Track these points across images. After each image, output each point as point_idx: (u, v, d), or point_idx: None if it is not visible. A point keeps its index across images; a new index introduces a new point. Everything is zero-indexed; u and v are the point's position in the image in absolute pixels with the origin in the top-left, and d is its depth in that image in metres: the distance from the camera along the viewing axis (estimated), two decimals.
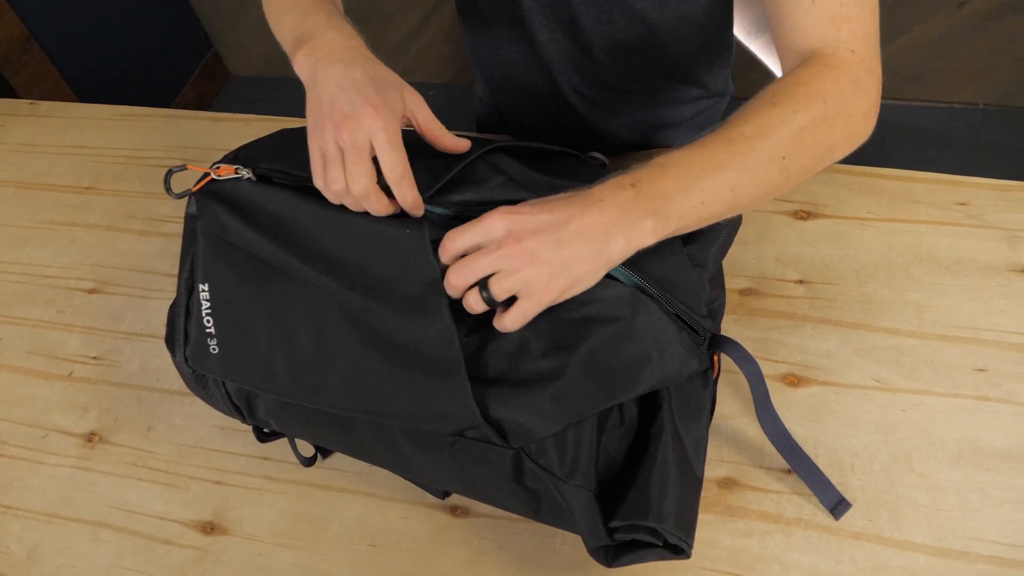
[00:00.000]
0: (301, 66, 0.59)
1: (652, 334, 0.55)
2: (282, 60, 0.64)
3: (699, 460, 0.59)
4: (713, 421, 0.69)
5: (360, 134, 0.54)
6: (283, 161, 0.62)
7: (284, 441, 0.73)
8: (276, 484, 0.71)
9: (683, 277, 0.58)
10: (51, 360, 0.84)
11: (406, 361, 0.54)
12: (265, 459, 0.73)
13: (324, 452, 0.72)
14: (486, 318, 0.55)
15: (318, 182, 0.57)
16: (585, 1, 0.76)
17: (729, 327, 0.75)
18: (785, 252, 0.79)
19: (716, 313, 0.63)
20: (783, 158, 0.55)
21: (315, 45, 0.59)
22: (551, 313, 0.54)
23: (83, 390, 0.81)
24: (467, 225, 0.53)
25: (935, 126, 1.96)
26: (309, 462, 0.71)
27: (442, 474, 0.59)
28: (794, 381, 0.71)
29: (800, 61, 0.61)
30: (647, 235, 0.52)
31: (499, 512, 0.67)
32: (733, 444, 0.68)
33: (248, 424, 0.66)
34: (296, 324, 0.58)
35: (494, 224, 0.52)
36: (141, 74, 2.17)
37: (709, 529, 0.64)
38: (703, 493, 0.65)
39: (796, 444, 0.63)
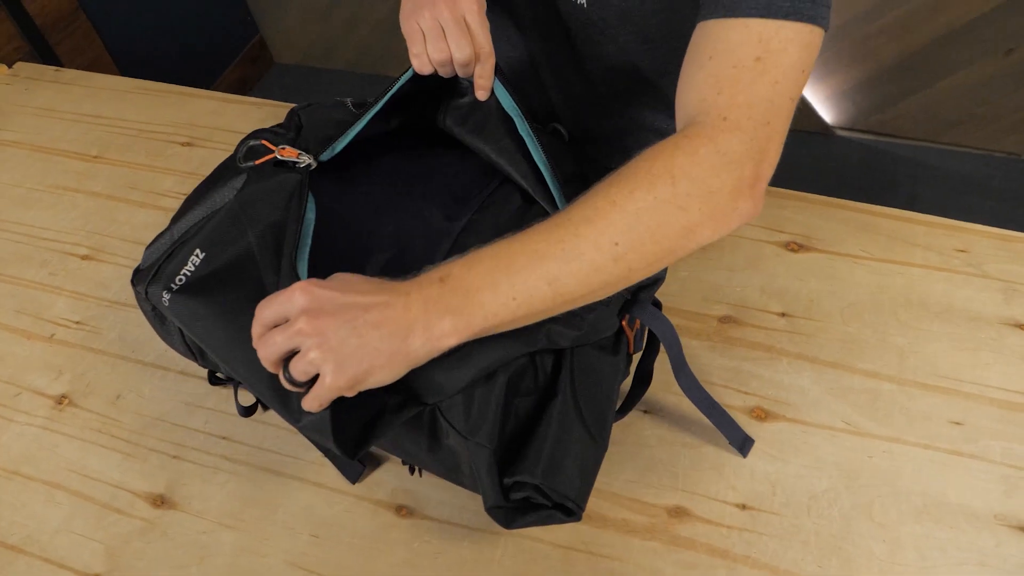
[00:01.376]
0: None
1: None
2: (324, 50, 0.68)
3: (601, 427, 0.58)
4: (672, 448, 0.67)
5: (457, 11, 0.62)
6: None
7: (245, 422, 0.74)
8: (231, 464, 0.71)
9: None
10: (36, 320, 0.85)
11: None
12: (224, 439, 0.73)
13: (265, 405, 0.73)
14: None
15: (417, 53, 0.63)
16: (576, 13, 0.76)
17: (702, 353, 0.73)
18: (772, 283, 0.77)
19: (646, 284, 0.61)
20: (615, 244, 0.50)
21: None
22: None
23: (61, 353, 0.82)
24: (274, 295, 0.51)
25: (973, 173, 1.91)
26: (248, 412, 0.72)
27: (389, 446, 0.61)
28: (761, 415, 0.69)
29: (682, 126, 0.56)
30: (447, 335, 0.48)
31: (444, 516, 0.66)
32: (690, 474, 0.66)
33: (202, 366, 0.69)
34: (237, 330, 0.57)
35: (294, 298, 0.49)
36: (185, 53, 2.21)
37: (653, 556, 0.62)
38: (650, 520, 0.64)
39: (712, 399, 0.64)
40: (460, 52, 0.62)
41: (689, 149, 0.52)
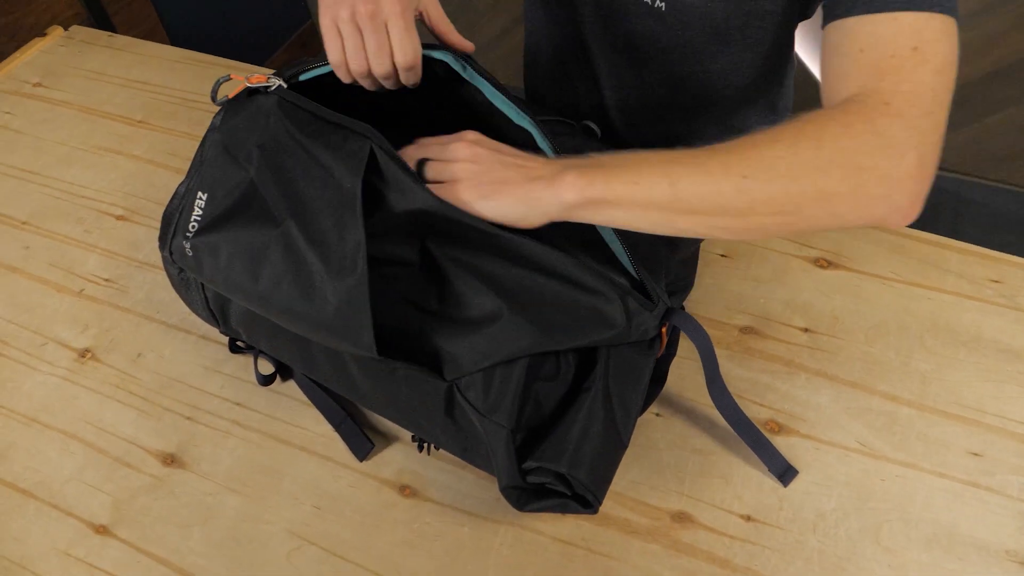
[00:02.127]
0: None
1: (595, 297, 0.56)
2: None
3: (627, 425, 0.59)
4: (681, 453, 0.67)
5: (379, 15, 0.54)
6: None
7: (260, 390, 0.74)
8: (242, 430, 0.72)
9: (649, 246, 0.59)
10: (67, 275, 0.87)
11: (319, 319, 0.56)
12: (238, 404, 0.74)
13: (284, 375, 0.75)
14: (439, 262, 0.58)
15: (336, 62, 0.57)
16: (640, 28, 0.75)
17: (721, 362, 0.72)
18: (797, 297, 0.77)
19: (678, 290, 0.64)
20: (743, 176, 0.50)
21: None
22: (502, 257, 0.56)
23: (89, 308, 0.84)
24: (435, 140, 0.57)
25: (1017, 212, 1.87)
26: (267, 381, 0.74)
27: (383, 401, 0.62)
28: (775, 428, 0.68)
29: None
30: (568, 186, 0.52)
31: (447, 499, 0.66)
32: (697, 480, 0.65)
33: (223, 333, 0.70)
34: (256, 252, 0.59)
35: (464, 135, 0.57)
36: (237, 32, 2.25)
37: (652, 559, 0.62)
38: (653, 523, 0.63)
39: (745, 416, 0.64)
40: (378, 66, 0.56)
41: (844, 121, 0.51)
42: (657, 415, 0.69)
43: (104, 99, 1.08)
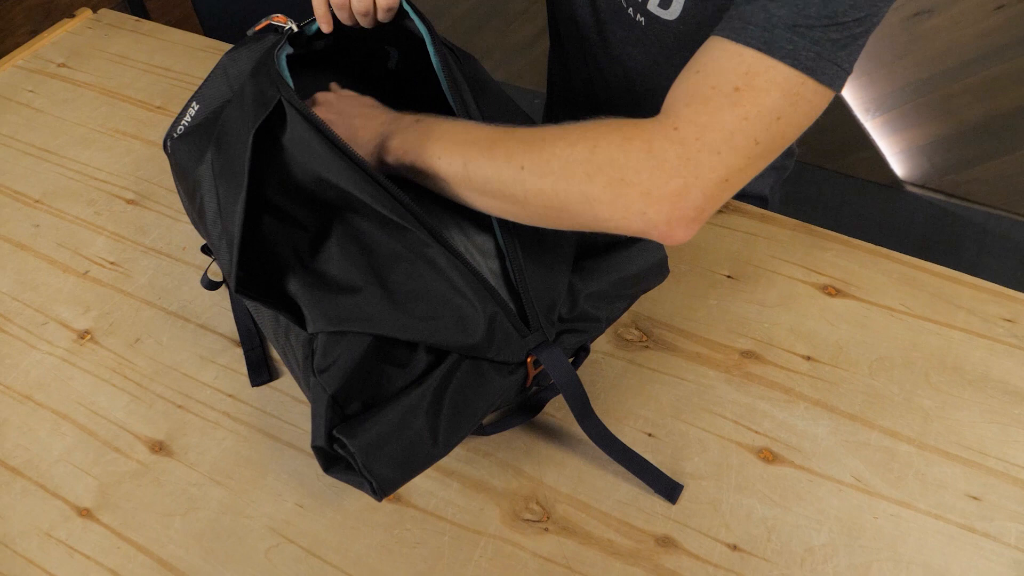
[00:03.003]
0: None
1: (464, 299, 0.56)
2: None
3: (452, 434, 0.57)
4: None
5: None
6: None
7: (254, 389, 0.74)
8: (231, 422, 0.72)
9: (550, 273, 0.59)
10: (74, 255, 0.88)
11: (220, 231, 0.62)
12: (230, 396, 0.74)
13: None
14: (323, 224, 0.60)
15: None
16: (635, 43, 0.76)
17: (718, 385, 0.71)
18: (801, 324, 0.75)
19: (584, 330, 0.62)
20: (521, 167, 0.53)
21: None
22: (389, 230, 0.57)
23: (91, 290, 0.84)
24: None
25: None
26: (212, 286, 0.77)
27: (271, 336, 0.64)
28: (768, 457, 0.66)
29: None
30: (387, 150, 0.61)
31: (430, 507, 0.65)
32: (685, 505, 0.64)
33: (202, 235, 0.72)
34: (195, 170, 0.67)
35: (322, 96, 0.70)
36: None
37: None
38: (636, 545, 0.62)
39: (622, 443, 0.63)
40: (359, 2, 0.63)
41: (627, 134, 0.51)
42: (650, 435, 0.68)
43: (126, 83, 1.09)
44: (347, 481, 0.57)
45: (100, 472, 0.70)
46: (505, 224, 0.59)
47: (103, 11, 1.22)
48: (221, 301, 0.81)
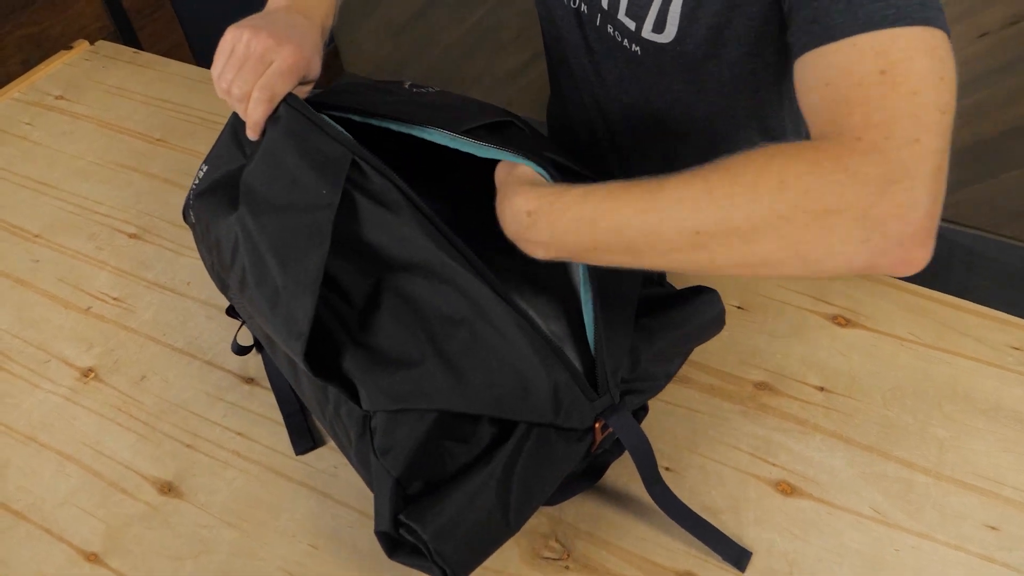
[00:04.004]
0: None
1: (529, 364, 0.53)
2: (395, 66, 0.71)
3: (522, 511, 0.55)
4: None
5: (268, 52, 0.59)
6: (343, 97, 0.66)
7: (263, 422, 0.73)
8: (242, 461, 0.71)
9: (616, 334, 0.57)
10: (75, 291, 0.86)
11: (273, 303, 0.57)
12: (240, 434, 0.73)
13: (261, 351, 0.76)
14: (382, 290, 0.56)
15: (214, 71, 0.62)
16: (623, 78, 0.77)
17: (733, 417, 0.71)
18: (813, 355, 0.75)
19: (642, 390, 0.61)
20: (696, 233, 0.47)
21: (301, 4, 0.67)
22: (436, 293, 0.54)
23: (95, 326, 0.83)
24: None
25: None
26: (242, 351, 0.75)
27: (313, 403, 0.62)
28: (786, 490, 0.66)
29: None
30: (533, 255, 0.54)
31: None
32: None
33: (228, 299, 0.71)
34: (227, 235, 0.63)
35: None
36: None
37: None
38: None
39: (694, 514, 0.62)
40: (237, 86, 0.59)
41: (812, 159, 0.45)
42: (667, 469, 0.68)
43: (124, 115, 1.08)
44: (414, 566, 0.54)
45: (106, 515, 0.68)
46: (591, 284, 0.56)
47: (100, 43, 1.22)
48: (228, 337, 0.80)
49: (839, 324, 0.77)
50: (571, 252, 0.53)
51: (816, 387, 0.73)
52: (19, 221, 0.95)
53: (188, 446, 0.72)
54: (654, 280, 0.67)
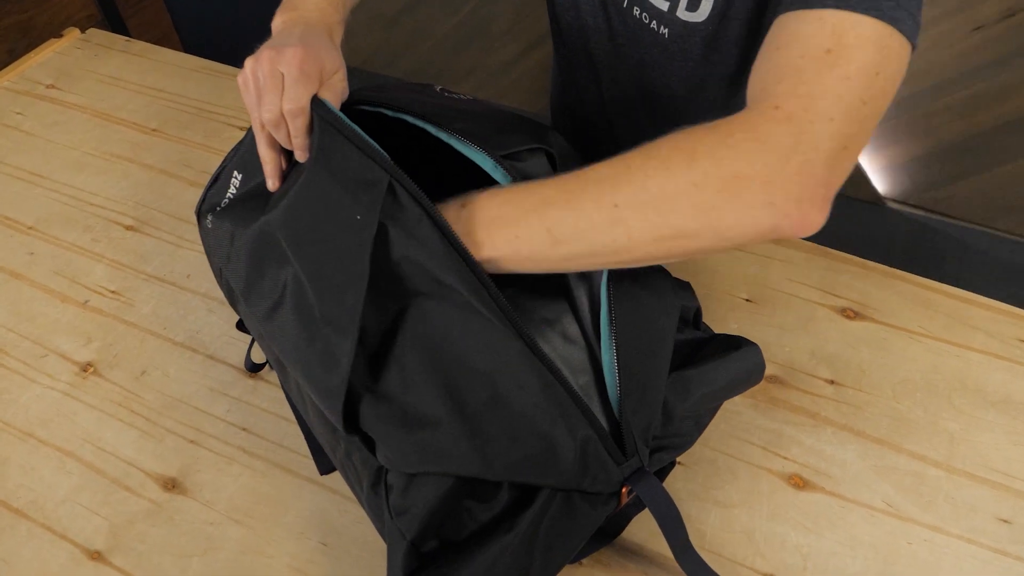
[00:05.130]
0: (275, 24, 0.63)
1: (554, 426, 0.49)
2: (387, 58, 0.66)
3: (543, 574, 0.52)
4: (703, 505, 0.65)
5: (277, 66, 0.55)
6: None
7: (268, 416, 0.72)
8: (247, 457, 0.70)
9: (647, 391, 0.52)
10: (72, 284, 0.85)
11: (312, 334, 0.51)
12: (244, 430, 0.72)
13: (277, 368, 0.70)
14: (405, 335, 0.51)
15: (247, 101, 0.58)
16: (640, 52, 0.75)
17: (744, 411, 0.70)
18: (823, 348, 0.75)
19: (670, 447, 0.57)
20: (615, 205, 0.47)
21: (296, 14, 0.63)
22: (448, 357, 0.50)
23: (93, 320, 0.81)
24: None
25: (1022, 263, 1.87)
26: (255, 368, 0.73)
27: (326, 448, 0.60)
28: (799, 483, 0.66)
29: None
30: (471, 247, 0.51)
31: None
32: (718, 535, 0.63)
33: (237, 312, 0.68)
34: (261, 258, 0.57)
35: None
36: (248, 42, 2.22)
37: None
38: None
39: None
40: (266, 111, 0.56)
41: (724, 131, 0.47)
42: (679, 463, 0.67)
43: (118, 105, 1.06)
44: None
45: (109, 512, 0.67)
46: (612, 335, 0.53)
47: (92, 31, 1.19)
48: (230, 331, 0.79)
49: (848, 317, 0.77)
50: (493, 246, 0.50)
51: (826, 380, 0.72)
52: (12, 213, 0.93)
53: (192, 442, 0.71)
54: (689, 323, 0.63)
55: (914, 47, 0.51)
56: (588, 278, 0.56)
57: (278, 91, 0.55)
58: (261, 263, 0.56)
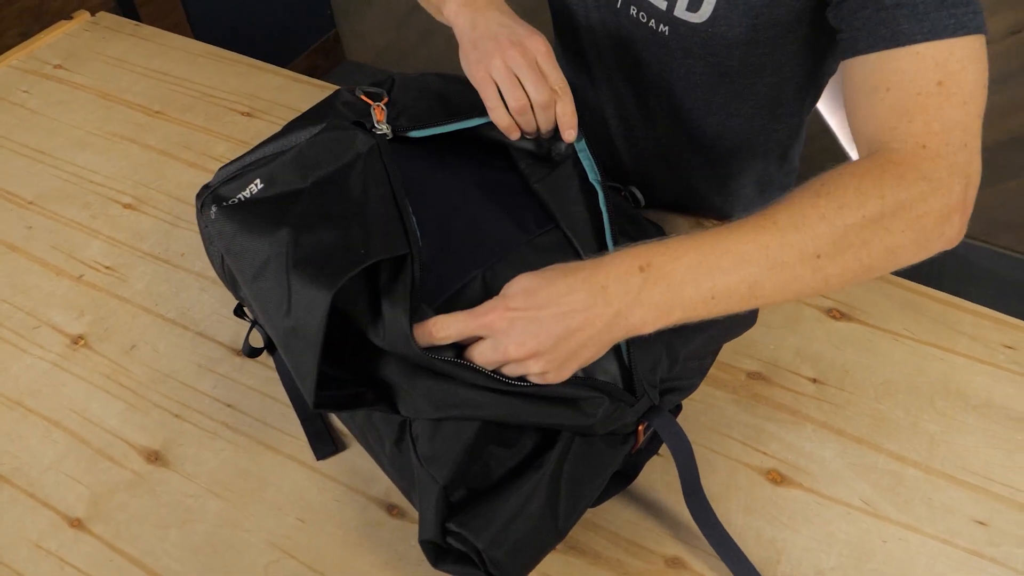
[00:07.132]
0: (457, 14, 0.66)
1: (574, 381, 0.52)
2: (397, 55, 0.68)
3: (570, 515, 0.55)
4: (680, 497, 0.65)
5: (529, 54, 0.61)
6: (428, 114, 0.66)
7: (253, 394, 0.73)
8: (230, 433, 0.70)
9: (646, 340, 0.55)
10: (68, 259, 0.86)
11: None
12: (229, 406, 0.72)
13: (272, 352, 0.73)
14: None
15: (493, 106, 0.62)
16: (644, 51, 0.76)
17: (726, 406, 0.71)
18: (807, 347, 0.75)
19: (677, 388, 0.60)
20: (817, 257, 0.51)
21: None
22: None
23: (86, 294, 0.82)
24: (468, 315, 0.51)
25: (1022, 280, 1.87)
26: (253, 352, 0.72)
27: (341, 418, 0.62)
28: (776, 478, 0.66)
29: (868, 153, 0.56)
30: (647, 324, 0.51)
31: None
32: (694, 526, 0.63)
33: (236, 297, 0.70)
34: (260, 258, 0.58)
35: (495, 325, 0.51)
36: (261, 34, 2.25)
37: None
38: (645, 566, 0.62)
39: (724, 531, 0.60)
40: (539, 94, 0.61)
41: (896, 173, 0.52)
42: (660, 455, 0.67)
43: (124, 86, 1.08)
44: (457, 574, 0.53)
45: (92, 481, 0.68)
46: None
47: (101, 14, 1.21)
48: (221, 309, 0.80)
49: (834, 317, 0.77)
50: (684, 309, 0.51)
51: (809, 379, 0.73)
52: (13, 187, 0.94)
53: (176, 416, 0.72)
54: None
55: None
56: (588, 219, 0.61)
57: (536, 71, 0.61)
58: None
